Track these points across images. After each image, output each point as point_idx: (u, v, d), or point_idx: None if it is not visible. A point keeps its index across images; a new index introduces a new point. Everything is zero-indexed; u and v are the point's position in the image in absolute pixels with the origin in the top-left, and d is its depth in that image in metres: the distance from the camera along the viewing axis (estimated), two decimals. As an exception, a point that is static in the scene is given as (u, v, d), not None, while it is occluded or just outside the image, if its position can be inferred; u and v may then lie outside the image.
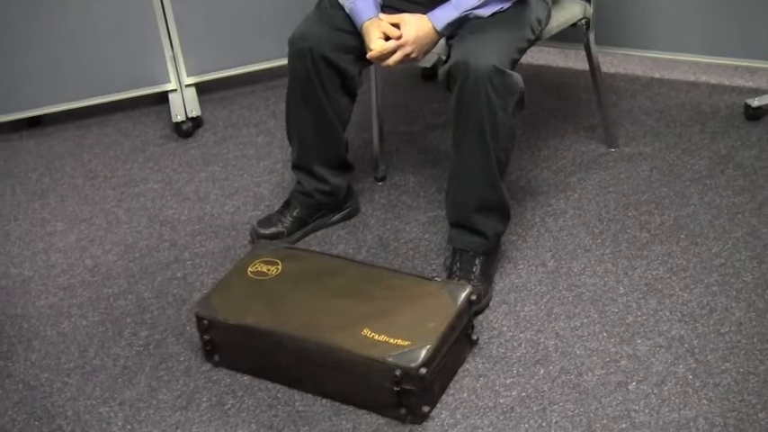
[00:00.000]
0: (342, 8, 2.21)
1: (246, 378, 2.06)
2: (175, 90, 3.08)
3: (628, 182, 2.57)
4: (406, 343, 1.88)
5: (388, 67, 2.12)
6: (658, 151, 2.69)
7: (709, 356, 1.99)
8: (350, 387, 1.94)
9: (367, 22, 2.13)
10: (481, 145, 2.08)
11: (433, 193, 2.59)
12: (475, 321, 2.09)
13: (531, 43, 2.19)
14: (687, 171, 2.59)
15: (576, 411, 1.90)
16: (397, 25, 2.11)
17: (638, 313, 2.13)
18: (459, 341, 1.99)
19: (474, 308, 2.05)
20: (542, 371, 2.00)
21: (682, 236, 2.35)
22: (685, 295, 2.17)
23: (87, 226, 2.62)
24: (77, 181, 2.83)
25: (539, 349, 2.06)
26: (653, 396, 1.92)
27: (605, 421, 1.87)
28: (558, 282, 2.24)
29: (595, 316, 2.13)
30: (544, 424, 1.88)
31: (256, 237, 2.40)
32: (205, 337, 2.06)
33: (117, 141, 3.01)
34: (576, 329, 2.10)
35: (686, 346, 2.03)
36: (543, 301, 2.19)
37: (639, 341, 2.05)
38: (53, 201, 2.75)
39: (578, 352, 2.04)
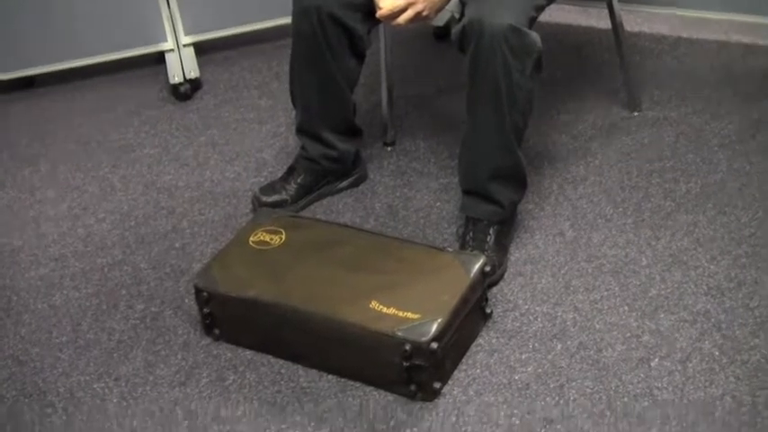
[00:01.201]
0: None
1: (248, 353, 2.07)
2: (172, 50, 3.08)
3: (652, 148, 2.56)
4: (417, 316, 1.89)
5: (399, 25, 2.11)
6: (685, 115, 2.68)
7: (737, 332, 2.00)
8: (357, 362, 1.95)
9: None
10: (497, 109, 2.08)
11: (446, 159, 2.59)
12: (489, 294, 2.10)
13: (550, 0, 2.18)
14: (715, 136, 2.58)
15: (596, 389, 1.90)
16: None
17: (662, 286, 2.13)
18: (472, 314, 2.00)
19: (488, 280, 2.05)
20: (560, 346, 2.01)
21: (709, 205, 2.35)
22: (712, 267, 2.17)
23: (80, 193, 2.63)
24: (69, 146, 2.84)
25: (556, 323, 2.06)
26: (677, 373, 1.92)
27: (626, 399, 1.88)
28: (576, 253, 2.24)
29: (616, 289, 2.13)
30: (561, 402, 1.88)
31: (258, 205, 2.41)
32: (205, 309, 2.07)
33: (111, 104, 3.01)
34: (596, 303, 2.10)
35: (712, 320, 2.03)
36: (561, 272, 2.19)
37: (663, 315, 2.06)
38: (44, 167, 2.76)
39: (598, 326, 2.05)
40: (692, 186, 2.41)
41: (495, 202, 2.20)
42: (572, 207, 2.38)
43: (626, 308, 2.09)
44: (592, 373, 1.94)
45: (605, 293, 2.13)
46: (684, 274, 2.16)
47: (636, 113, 2.70)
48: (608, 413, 1.86)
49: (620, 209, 2.36)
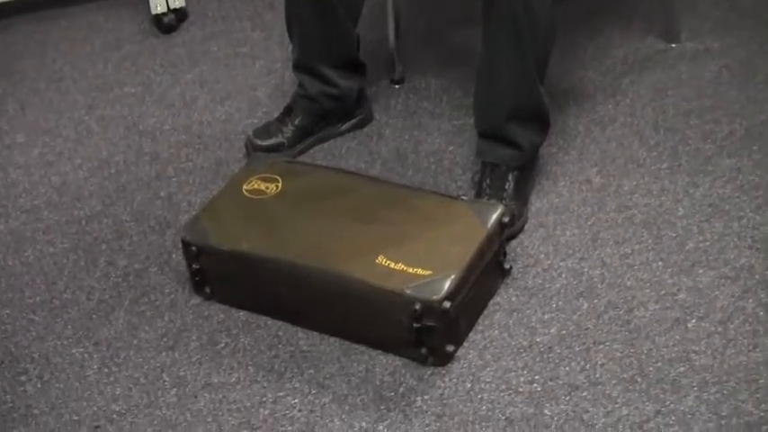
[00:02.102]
0: None
1: (242, 314, 2.08)
2: (154, -24, 3.06)
3: (690, 84, 2.56)
4: (428, 272, 1.90)
5: None
6: (728, 48, 2.66)
7: (784, 289, 2.01)
8: (362, 324, 1.96)
9: None
10: (515, 41, 2.07)
11: (459, 97, 2.58)
12: (507, 247, 2.11)
13: None
14: (762, 72, 2.57)
15: (626, 352, 1.92)
16: None
17: (700, 239, 2.14)
18: (488, 270, 2.01)
19: (507, 231, 2.06)
20: (586, 305, 2.02)
21: (754, 148, 2.35)
22: (757, 218, 2.17)
23: (53, 138, 2.63)
24: (40, 85, 2.83)
25: (582, 280, 2.07)
26: (716, 335, 1.93)
27: (660, 364, 1.89)
28: (605, 201, 2.25)
29: (649, 242, 2.14)
30: (588, 366, 1.90)
31: (252, 149, 2.41)
32: (194, 266, 2.09)
33: (87, 38, 3.00)
34: (626, 257, 2.11)
35: (757, 277, 2.04)
36: (588, 224, 2.20)
37: (701, 271, 2.07)
38: (12, 108, 2.76)
39: (628, 283, 2.06)
40: (735, 128, 2.41)
41: (514, 145, 2.20)
42: (600, 151, 2.39)
43: (660, 263, 2.09)
44: (622, 335, 1.95)
45: (637, 247, 2.13)
46: (726, 226, 2.16)
47: (673, 45, 2.69)
48: (639, 379, 1.87)
49: (654, 153, 2.37)
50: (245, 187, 2.15)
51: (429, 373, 1.93)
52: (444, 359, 1.93)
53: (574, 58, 2.67)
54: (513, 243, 2.17)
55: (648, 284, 2.05)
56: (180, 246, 2.13)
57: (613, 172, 2.32)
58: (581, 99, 2.54)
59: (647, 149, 2.37)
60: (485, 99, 2.20)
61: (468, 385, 1.90)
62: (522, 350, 1.95)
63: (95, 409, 1.93)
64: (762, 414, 1.79)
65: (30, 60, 2.93)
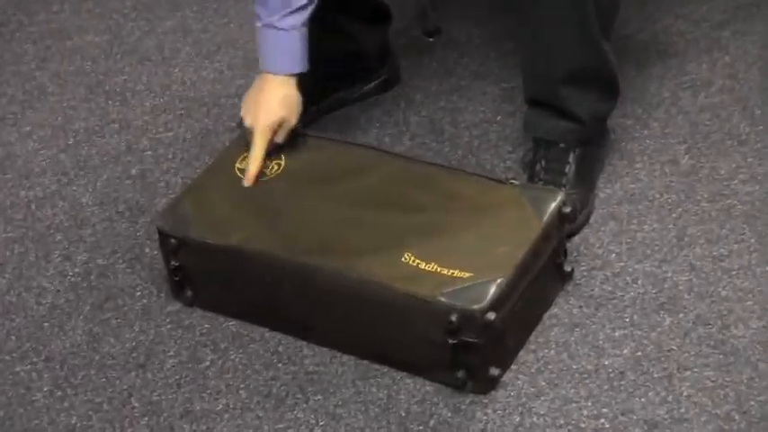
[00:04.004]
0: None
1: (233, 323, 2.10)
2: None
3: (809, 38, 2.56)
4: (467, 275, 1.91)
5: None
6: None
7: None
8: (383, 338, 1.97)
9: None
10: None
11: (510, 53, 2.59)
12: (568, 245, 2.11)
13: None
14: None
15: (719, 381, 1.92)
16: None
17: (817, 237, 2.14)
18: (544, 273, 2.02)
19: (568, 225, 2.07)
20: (669, 320, 2.02)
21: None
22: None
23: (-5, 98, 2.66)
24: (-20, 31, 2.86)
25: (664, 288, 2.08)
26: (837, 361, 1.94)
27: (763, 397, 1.89)
28: (695, 188, 2.25)
29: (751, 240, 2.14)
30: (670, 398, 1.90)
31: (247, 117, 2.42)
32: (173, 263, 2.10)
33: (38, -28, 3.01)
34: (722, 260, 2.11)
35: None
36: (672, 216, 2.20)
37: (817, 279, 2.07)
38: (-55, 61, 2.78)
39: (724, 293, 2.06)
40: None
41: (571, 117, 2.21)
42: (689, 124, 2.39)
43: (765, 267, 2.09)
44: (714, 358, 1.95)
45: (735, 247, 2.14)
46: None
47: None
48: (737, 416, 1.87)
49: (761, 126, 2.36)
50: (237, 165, 2.16)
51: (467, 402, 1.93)
52: (487, 385, 1.94)
53: (656, 3, 2.67)
54: (576, 240, 2.17)
55: (750, 295, 2.05)
56: (155, 237, 2.14)
57: (706, 151, 2.32)
58: (665, 56, 2.54)
59: (751, 122, 2.38)
60: (533, 57, 2.21)
61: (517, 419, 1.90)
62: (585, 376, 1.95)
63: (46, 441, 1.95)
64: None
65: (-34, 0, 2.96)
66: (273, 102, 2.13)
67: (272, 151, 2.16)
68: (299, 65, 2.14)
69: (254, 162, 2.12)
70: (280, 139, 2.16)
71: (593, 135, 2.25)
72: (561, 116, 2.21)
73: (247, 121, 2.15)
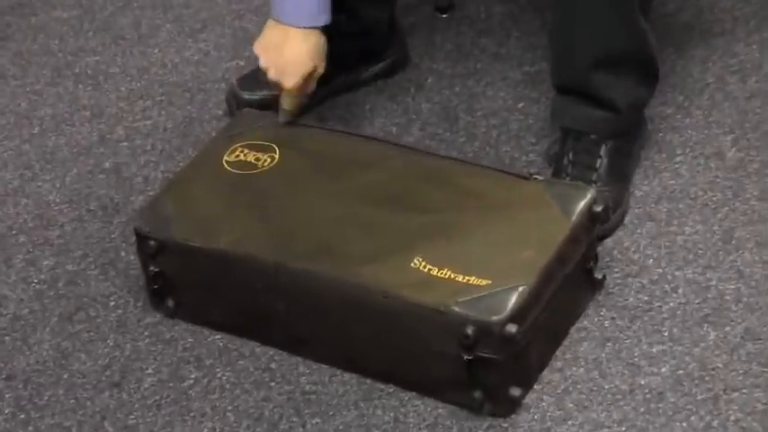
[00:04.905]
0: None
1: (219, 337, 2.09)
2: None
3: None
4: (485, 282, 1.90)
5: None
6: None
7: None
8: (389, 354, 1.97)
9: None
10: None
11: (535, 31, 2.59)
12: (600, 248, 2.11)
13: None
14: None
15: (770, 402, 1.92)
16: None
17: None
18: (572, 281, 2.01)
19: (599, 226, 2.06)
20: (713, 334, 2.02)
21: None
22: None
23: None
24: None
25: (708, 298, 2.07)
26: None
27: (820, 421, 1.89)
28: (743, 185, 2.25)
29: (808, 244, 2.15)
30: (715, 423, 1.89)
31: (237, 104, 2.43)
32: (152, 268, 2.10)
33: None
34: (774, 266, 2.12)
35: None
36: (717, 216, 2.20)
37: None
38: None
39: (776, 303, 2.06)
40: None
41: (605, 105, 2.21)
42: (737, 111, 2.38)
43: (824, 275, 2.10)
44: (766, 378, 1.95)
45: (788, 250, 2.14)
46: None
47: None
48: (790, 442, 1.87)
49: (820, 113, 2.37)
50: (226, 158, 2.16)
51: (485, 426, 1.93)
52: (507, 407, 1.93)
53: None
54: (608, 243, 2.17)
55: (806, 306, 2.05)
56: (132, 239, 2.14)
57: (756, 142, 2.32)
58: (710, 36, 2.54)
59: (810, 108, 2.38)
60: (563, 37, 2.20)
61: (542, 445, 1.91)
62: (619, 397, 1.94)
63: (7, 471, 1.96)
64: None
65: None
66: (302, 52, 2.18)
67: (265, 143, 2.16)
68: (325, 16, 2.18)
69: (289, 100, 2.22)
70: (310, 89, 2.23)
71: (628, 125, 2.25)
72: (594, 104, 2.21)
73: (271, 74, 2.19)
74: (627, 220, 2.21)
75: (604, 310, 2.07)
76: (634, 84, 2.22)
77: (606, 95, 2.20)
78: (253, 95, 2.43)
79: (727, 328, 2.02)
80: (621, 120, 2.23)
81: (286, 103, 2.21)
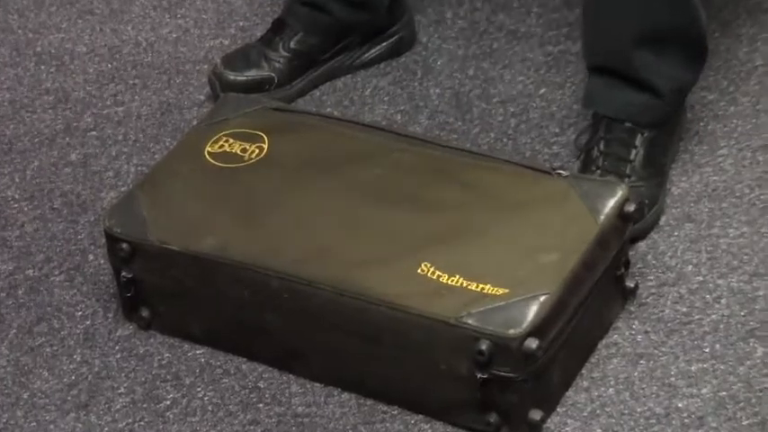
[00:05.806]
0: None
1: (201, 352, 2.09)
2: None
3: None
4: (501, 290, 1.90)
5: None
6: None
7: None
8: (392, 371, 1.96)
9: None
10: None
11: (558, 7, 2.59)
12: (632, 253, 2.10)
13: None
14: None
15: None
16: None
17: None
18: (601, 289, 2.01)
19: (631, 227, 2.05)
20: (761, 350, 2.01)
21: None
22: None
23: None
24: None
25: (754, 309, 2.07)
26: None
27: None
28: (795, 182, 2.25)
29: None
30: (762, 451, 1.90)
31: (221, 87, 2.43)
32: (124, 274, 2.09)
33: None
34: (830, 273, 2.11)
35: None
36: (766, 217, 2.20)
37: None
38: None
39: (833, 315, 2.06)
40: None
41: (646, 88, 2.20)
42: (789, 98, 2.39)
43: None
44: (820, 399, 1.95)
45: None
46: None
47: None
48: None
49: None
50: (208, 149, 2.16)
51: (501, 453, 1.92)
52: (526, 431, 1.92)
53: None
54: (642, 245, 2.17)
55: None
56: (101, 241, 2.14)
57: (811, 134, 2.33)
58: (758, 12, 2.54)
59: None
60: (598, 12, 2.20)
61: (565, 476, 1.90)
62: (654, 421, 1.94)
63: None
64: None
65: None
66: None
67: (253, 132, 2.16)
68: None
69: None
70: None
71: (669, 113, 2.25)
72: (633, 87, 2.21)
73: None
74: (663, 220, 2.21)
75: (637, 322, 2.07)
76: (680, 65, 2.22)
77: (648, 78, 2.20)
78: (239, 76, 2.43)
79: (778, 344, 2.03)
80: (662, 106, 2.22)
81: None
